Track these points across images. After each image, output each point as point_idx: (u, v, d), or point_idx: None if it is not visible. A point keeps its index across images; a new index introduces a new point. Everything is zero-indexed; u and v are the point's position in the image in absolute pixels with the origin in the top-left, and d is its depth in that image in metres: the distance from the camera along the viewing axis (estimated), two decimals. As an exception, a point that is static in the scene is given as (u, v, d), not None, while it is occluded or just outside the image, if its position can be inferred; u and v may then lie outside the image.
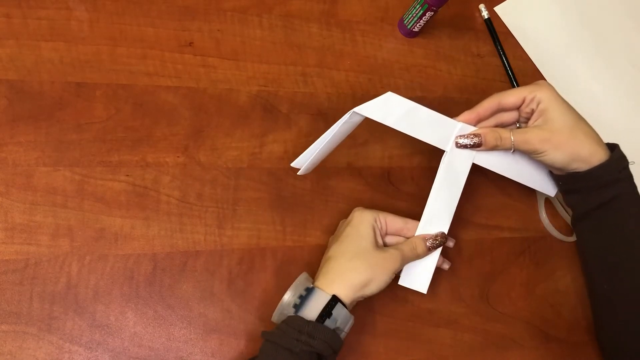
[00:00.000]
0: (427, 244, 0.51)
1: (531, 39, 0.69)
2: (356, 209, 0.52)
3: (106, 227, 0.50)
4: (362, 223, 0.50)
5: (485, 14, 0.68)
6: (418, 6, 0.59)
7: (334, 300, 0.45)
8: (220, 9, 0.59)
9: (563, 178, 0.53)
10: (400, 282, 0.52)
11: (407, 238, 0.52)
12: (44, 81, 0.52)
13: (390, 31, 0.65)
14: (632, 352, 0.52)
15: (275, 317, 0.47)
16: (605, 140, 0.53)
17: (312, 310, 0.45)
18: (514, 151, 0.52)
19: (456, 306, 0.57)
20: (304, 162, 0.51)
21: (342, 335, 0.47)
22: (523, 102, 0.52)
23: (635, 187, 0.52)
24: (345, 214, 0.53)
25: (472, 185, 0.61)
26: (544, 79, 0.68)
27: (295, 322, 0.44)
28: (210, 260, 0.52)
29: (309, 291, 0.46)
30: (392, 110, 0.50)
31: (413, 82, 0.63)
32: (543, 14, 0.71)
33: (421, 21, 0.61)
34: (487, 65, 0.67)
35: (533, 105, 0.51)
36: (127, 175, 0.52)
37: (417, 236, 0.52)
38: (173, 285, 0.51)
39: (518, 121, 0.54)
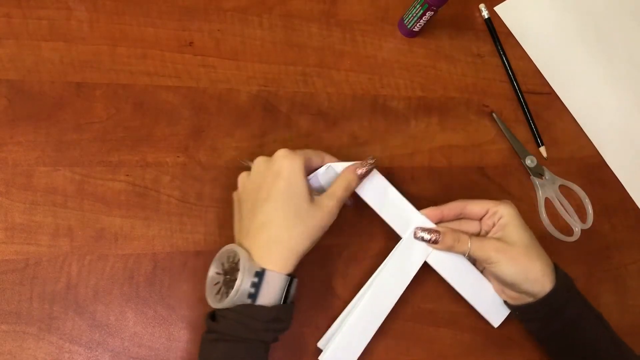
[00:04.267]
0: (358, 172, 0.49)
1: (531, 39, 0.69)
2: (281, 153, 0.46)
3: (106, 227, 0.50)
4: (296, 175, 0.45)
5: (485, 13, 0.68)
6: (418, 6, 0.59)
7: (291, 278, 0.45)
8: (220, 9, 0.59)
9: (520, 308, 0.53)
10: (320, 358, 0.49)
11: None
12: (44, 81, 0.52)
13: (390, 31, 0.65)
14: None
15: (228, 303, 0.43)
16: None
17: (269, 295, 0.44)
18: (468, 256, 0.52)
19: (456, 306, 0.57)
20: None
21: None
22: (486, 213, 0.52)
23: (585, 298, 0.52)
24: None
25: (471, 185, 0.61)
26: (545, 79, 0.68)
27: (260, 314, 0.43)
28: (210, 260, 0.52)
29: (260, 276, 0.43)
30: (368, 182, 0.50)
31: (413, 81, 0.63)
32: (543, 14, 0.71)
33: (421, 21, 0.61)
34: (487, 65, 0.67)
35: (495, 219, 0.52)
36: (127, 175, 0.52)
37: (347, 170, 0.49)
38: (173, 285, 0.51)
39: (479, 234, 0.54)
